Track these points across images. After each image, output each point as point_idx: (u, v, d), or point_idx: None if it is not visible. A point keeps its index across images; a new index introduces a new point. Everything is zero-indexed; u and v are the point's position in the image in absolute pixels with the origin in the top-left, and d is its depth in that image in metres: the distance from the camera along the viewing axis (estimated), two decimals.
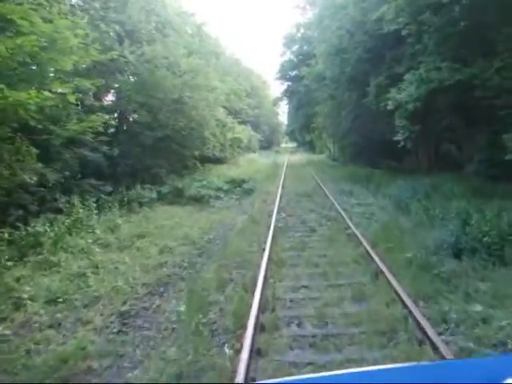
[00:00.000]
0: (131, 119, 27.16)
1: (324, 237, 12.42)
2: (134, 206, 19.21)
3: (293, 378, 2.28)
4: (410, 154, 29.62)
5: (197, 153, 32.25)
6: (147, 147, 25.44)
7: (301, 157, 69.75)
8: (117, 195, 19.57)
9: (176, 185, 22.54)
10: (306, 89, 47.53)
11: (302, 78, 50.16)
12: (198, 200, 20.68)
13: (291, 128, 75.89)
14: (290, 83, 56.30)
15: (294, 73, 54.80)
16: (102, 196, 18.63)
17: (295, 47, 55.15)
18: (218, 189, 22.36)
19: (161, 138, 25.60)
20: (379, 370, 2.09)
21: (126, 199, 19.52)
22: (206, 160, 40.37)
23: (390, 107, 17.10)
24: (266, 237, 12.16)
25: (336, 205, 17.11)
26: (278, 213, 16.42)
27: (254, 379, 5.25)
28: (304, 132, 62.64)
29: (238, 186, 23.78)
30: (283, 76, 56.39)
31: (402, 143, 17.56)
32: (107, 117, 17.69)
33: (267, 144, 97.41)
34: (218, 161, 43.45)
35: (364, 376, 1.91)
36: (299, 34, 54.96)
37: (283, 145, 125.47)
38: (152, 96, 25.46)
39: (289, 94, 56.80)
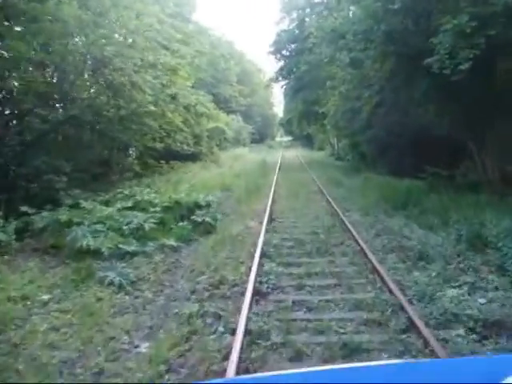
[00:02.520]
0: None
1: None
2: None
3: (283, 373, 2.02)
4: (470, 159, 19.14)
5: (144, 145, 21.21)
6: (37, 136, 14.48)
7: (297, 153, 58.23)
8: None
9: (58, 217, 11.20)
10: (308, 66, 35.71)
11: (303, 51, 38.53)
12: (89, 254, 9.43)
13: (288, 117, 63.32)
14: (287, 59, 43.70)
15: (293, 46, 42.56)
16: None
17: (296, 13, 42.91)
18: (134, 230, 10.82)
19: (63, 122, 14.46)
20: (374, 366, 2.02)
21: None
22: (170, 156, 29.57)
23: None
24: None
25: (420, 327, 5.72)
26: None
27: None
28: (303, 122, 50.32)
29: (187, 217, 12.44)
30: (279, 49, 43.59)
31: None
32: None
33: (260, 137, 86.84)
34: (190, 158, 32.56)
35: (359, 372, 1.78)
36: None
37: (278, 138, 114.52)
38: (45, 47, 14.29)
39: (286, 72, 44.31)
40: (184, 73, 23.68)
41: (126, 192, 15.01)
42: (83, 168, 16.20)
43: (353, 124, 29.06)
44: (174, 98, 21.35)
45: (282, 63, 42.92)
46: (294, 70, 40.47)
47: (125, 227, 10.72)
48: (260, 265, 8.59)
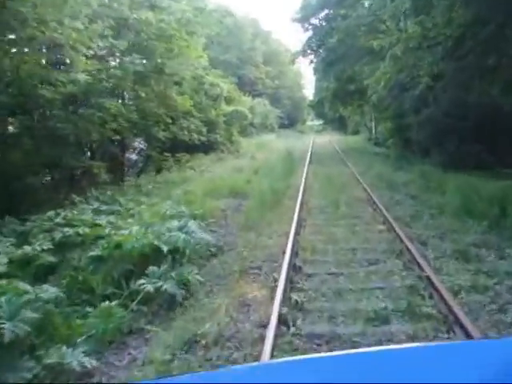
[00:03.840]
0: None
1: None
2: None
3: (292, 359, 2.17)
4: None
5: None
6: None
7: (330, 139, 51.73)
8: None
9: None
10: (342, 34, 28.99)
11: (335, 19, 31.93)
12: None
13: (319, 97, 55.90)
14: (317, 29, 35.84)
15: (324, 12, 35.12)
16: None
17: None
18: None
19: None
20: (400, 350, 1.87)
21: None
22: (180, 148, 25.41)
23: None
24: None
25: None
26: None
27: None
28: (337, 103, 42.85)
29: (135, 279, 6.56)
30: (307, 17, 35.34)
31: None
32: None
33: (289, 122, 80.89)
34: (203, 148, 27.01)
35: (381, 355, 1.65)
36: None
37: (309, 122, 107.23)
38: None
39: (315, 44, 36.63)
40: (182, 41, 17.90)
41: (58, 219, 9.17)
42: (8, 178, 10.57)
43: (402, 103, 23.11)
44: (159, 70, 15.28)
45: (310, 33, 35.82)
46: (325, 40, 33.45)
47: None
48: None
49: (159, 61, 15.38)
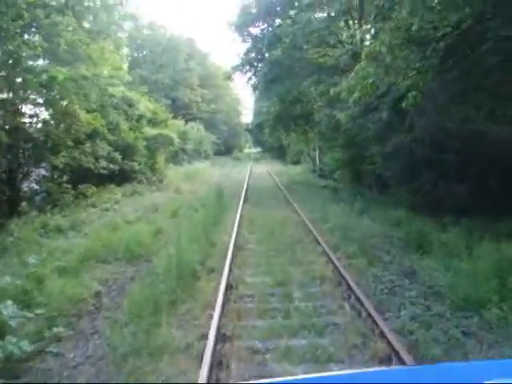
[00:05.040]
0: None
1: None
2: None
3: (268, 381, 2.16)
4: None
5: None
6: None
7: (269, 168, 46.02)
8: None
9: None
10: (290, 43, 23.63)
11: (281, 27, 26.58)
12: None
13: (258, 120, 49.43)
14: (259, 42, 29.02)
15: (264, 25, 28.74)
16: None
17: None
18: None
19: None
20: (357, 374, 1.97)
21: None
22: (80, 178, 19.63)
23: None
24: None
25: None
26: None
27: None
28: (280, 128, 36.68)
29: None
30: (247, 23, 28.07)
31: None
32: None
33: (225, 148, 76.24)
34: (116, 178, 21.58)
35: (338, 379, 1.76)
36: None
37: (246, 150, 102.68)
38: None
39: (256, 57, 29.92)
40: (72, 32, 12.54)
41: None
42: None
43: (362, 128, 18.30)
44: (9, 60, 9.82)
45: (249, 45, 29.66)
46: (268, 51, 27.51)
47: None
48: None
49: (11, 47, 10.05)
